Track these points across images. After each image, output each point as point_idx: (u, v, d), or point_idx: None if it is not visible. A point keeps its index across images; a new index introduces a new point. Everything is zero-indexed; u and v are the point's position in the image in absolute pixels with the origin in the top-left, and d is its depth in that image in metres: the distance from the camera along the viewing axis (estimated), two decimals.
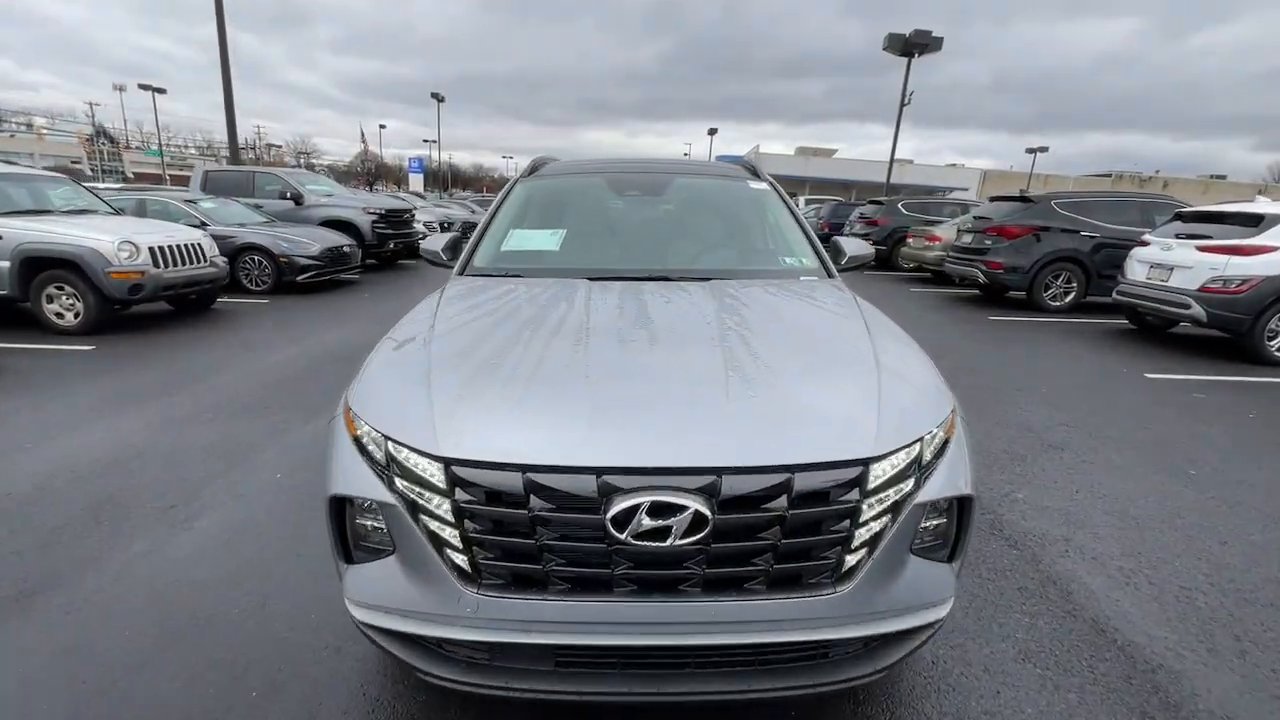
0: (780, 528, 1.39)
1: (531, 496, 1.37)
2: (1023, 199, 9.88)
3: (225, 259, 7.95)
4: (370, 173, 79.66)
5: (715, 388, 1.55)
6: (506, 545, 1.41)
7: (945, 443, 1.63)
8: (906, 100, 23.55)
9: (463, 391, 1.55)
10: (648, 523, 1.33)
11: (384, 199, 14.40)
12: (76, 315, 6.46)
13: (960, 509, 1.63)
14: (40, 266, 6.35)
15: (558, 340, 1.79)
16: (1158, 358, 6.62)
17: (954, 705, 1.91)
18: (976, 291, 11.03)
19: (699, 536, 1.35)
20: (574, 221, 2.95)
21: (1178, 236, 7.10)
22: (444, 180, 69.89)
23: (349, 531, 1.60)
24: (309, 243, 9.46)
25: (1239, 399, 5.19)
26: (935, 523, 1.59)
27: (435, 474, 1.42)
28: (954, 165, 60.37)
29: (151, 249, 6.67)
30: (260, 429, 3.98)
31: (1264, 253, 6.23)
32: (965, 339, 7.39)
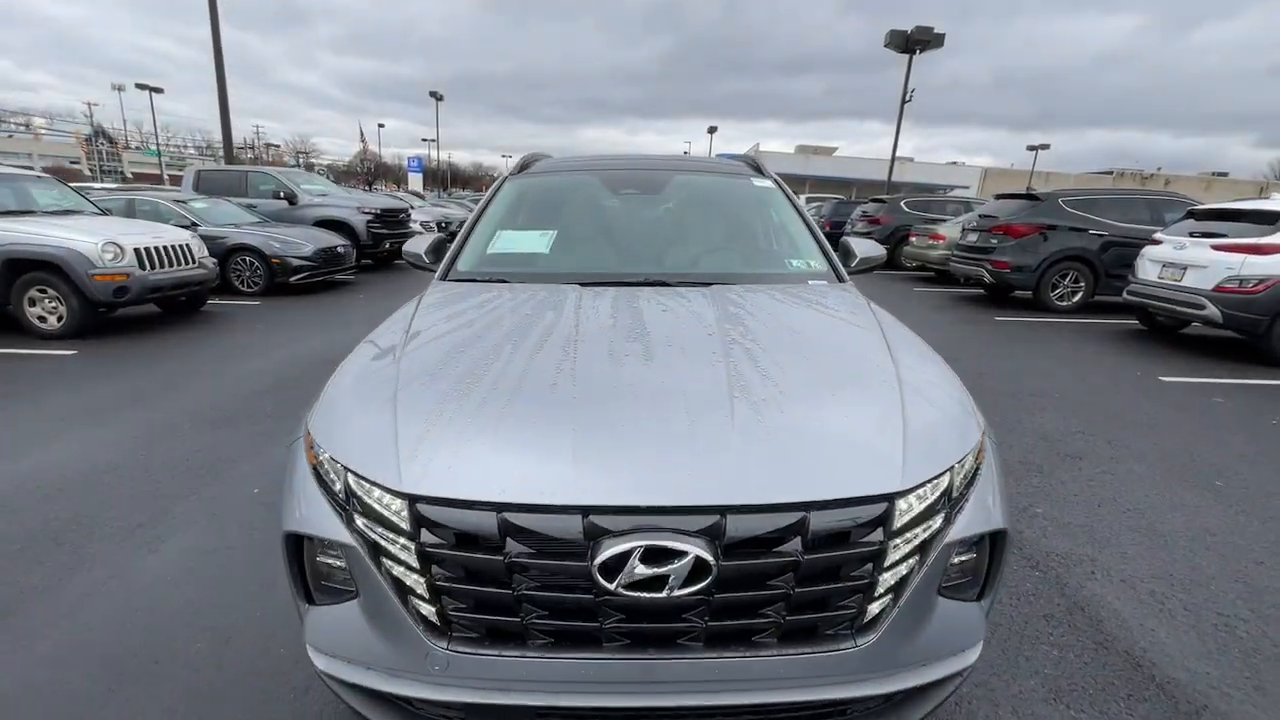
0: (794, 574, 1.21)
1: (508, 540, 1.19)
2: (1029, 197, 9.69)
3: (215, 260, 7.77)
4: (370, 172, 79.42)
5: (718, 411, 1.37)
6: (479, 595, 1.23)
7: (975, 470, 1.45)
8: (908, 97, 23.35)
9: (432, 416, 1.37)
10: (641, 571, 1.15)
11: (380, 198, 14.22)
12: (60, 319, 6.29)
13: (992, 543, 1.45)
14: (21, 269, 6.17)
15: (542, 355, 1.61)
16: (1171, 360, 6.44)
17: None
18: (981, 291, 10.84)
19: (700, 586, 1.17)
20: (566, 222, 2.76)
21: (1191, 235, 6.91)
22: (443, 179, 69.67)
23: (308, 570, 1.42)
24: (302, 243, 9.28)
25: (1260, 403, 5.00)
26: (965, 558, 1.41)
27: (398, 512, 1.24)
28: (954, 163, 60.13)
29: (137, 250, 6.49)
30: (241, 440, 3.81)
31: None
32: (972, 340, 7.21)
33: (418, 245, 2.72)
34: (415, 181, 51.42)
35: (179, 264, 7.00)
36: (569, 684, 1.24)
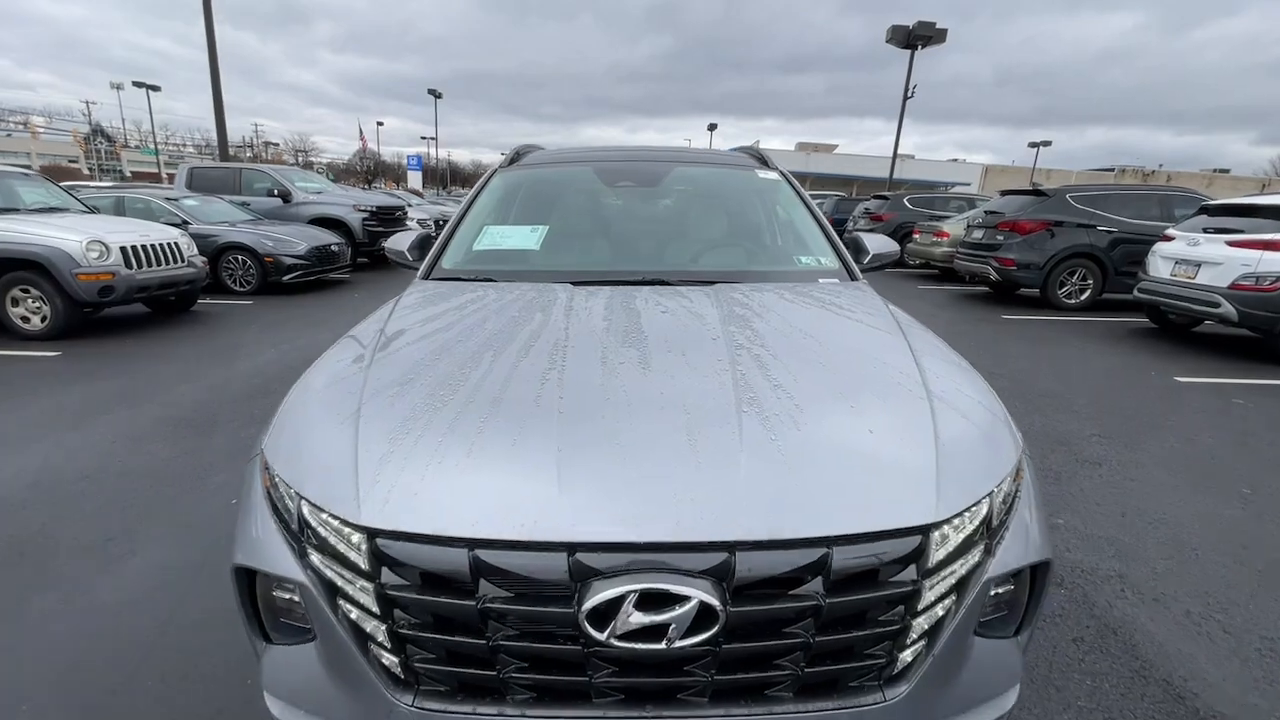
0: (814, 620, 1.04)
1: (481, 581, 1.03)
2: (1036, 192, 9.51)
3: (205, 259, 7.60)
4: (369, 170, 79.09)
5: (725, 428, 1.20)
6: (449, 645, 1.06)
7: (1015, 492, 1.28)
8: (910, 94, 23.13)
9: (398, 435, 1.20)
10: (637, 618, 0.99)
11: (376, 195, 14.05)
12: (43, 319, 6.12)
13: (1033, 573, 1.28)
14: (3, 268, 5.99)
15: (526, 363, 1.44)
16: (1185, 359, 6.26)
17: None
18: (987, 289, 10.66)
19: (706, 636, 1.00)
20: (558, 217, 2.59)
21: (1205, 231, 6.73)
22: (442, 177, 69.42)
23: (262, 606, 1.26)
24: (295, 241, 9.11)
25: None
26: (1002, 589, 1.24)
27: (357, 546, 1.07)
28: (955, 160, 59.85)
29: (123, 249, 6.32)
30: (221, 446, 3.64)
31: None
32: (979, 340, 7.04)
33: (401, 242, 2.55)
34: (415, 180, 51.21)
35: (167, 263, 6.83)
36: None
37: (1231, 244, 6.31)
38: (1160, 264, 7.14)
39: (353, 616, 1.10)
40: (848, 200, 19.90)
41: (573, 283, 2.04)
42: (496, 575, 1.02)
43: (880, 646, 1.10)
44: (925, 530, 1.08)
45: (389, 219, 12.27)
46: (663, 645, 1.00)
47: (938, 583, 1.10)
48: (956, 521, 1.12)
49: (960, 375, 1.54)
